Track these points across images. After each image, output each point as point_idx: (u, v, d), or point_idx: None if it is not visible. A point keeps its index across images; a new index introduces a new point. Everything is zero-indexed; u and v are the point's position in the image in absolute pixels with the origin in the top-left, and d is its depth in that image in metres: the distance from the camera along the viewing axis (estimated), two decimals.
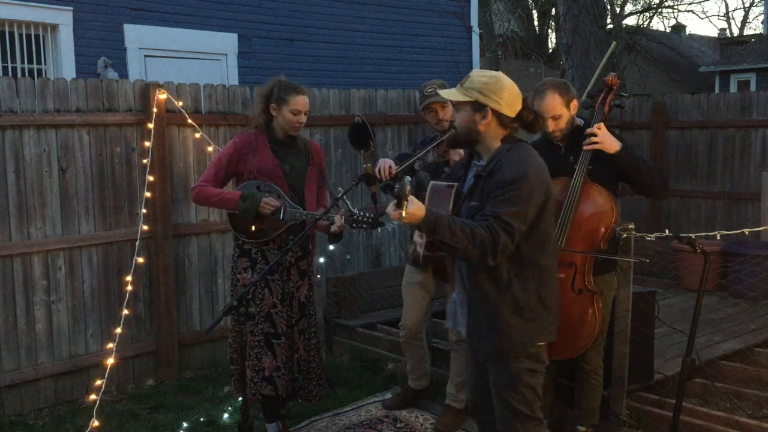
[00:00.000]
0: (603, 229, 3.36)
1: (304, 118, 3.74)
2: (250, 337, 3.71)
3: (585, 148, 3.36)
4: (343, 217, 3.57)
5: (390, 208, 2.45)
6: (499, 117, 2.66)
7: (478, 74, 2.69)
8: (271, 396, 3.72)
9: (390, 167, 3.57)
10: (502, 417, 2.78)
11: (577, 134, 3.44)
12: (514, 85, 2.70)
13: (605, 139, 3.32)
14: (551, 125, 3.43)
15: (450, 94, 2.75)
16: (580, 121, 3.54)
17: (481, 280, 2.67)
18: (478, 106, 2.65)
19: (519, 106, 2.69)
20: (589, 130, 3.37)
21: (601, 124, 3.36)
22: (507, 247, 2.53)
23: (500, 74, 2.70)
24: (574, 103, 3.46)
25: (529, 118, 2.74)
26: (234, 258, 3.84)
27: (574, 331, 3.34)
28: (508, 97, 2.66)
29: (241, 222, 3.70)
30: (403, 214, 2.38)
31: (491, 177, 2.61)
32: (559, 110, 3.40)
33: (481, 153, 2.75)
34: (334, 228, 3.60)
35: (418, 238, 2.83)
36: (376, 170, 3.56)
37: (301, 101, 3.70)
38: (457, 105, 2.72)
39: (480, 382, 2.93)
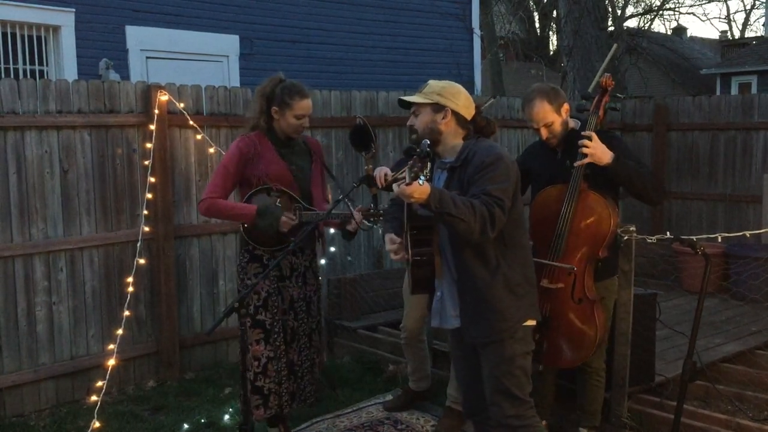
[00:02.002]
0: (602, 237, 3.35)
1: (307, 122, 3.63)
2: (258, 347, 3.57)
3: (576, 164, 3.31)
4: (361, 213, 3.53)
5: (401, 185, 2.45)
6: (458, 117, 2.86)
7: (435, 81, 2.92)
8: (277, 411, 3.63)
9: (386, 174, 3.56)
10: (493, 402, 2.85)
11: (572, 137, 3.40)
12: (468, 93, 2.92)
13: (596, 152, 3.27)
14: (544, 133, 3.41)
15: (411, 98, 2.90)
16: (575, 123, 3.51)
17: (471, 265, 2.78)
18: (438, 108, 2.84)
19: (473, 110, 2.91)
20: (581, 137, 3.30)
21: (593, 134, 3.30)
22: (501, 220, 2.65)
23: (454, 82, 2.92)
24: (565, 107, 3.43)
25: (482, 123, 2.93)
26: (242, 263, 3.66)
27: (575, 341, 3.34)
28: (465, 99, 2.88)
29: (256, 231, 3.55)
30: (421, 183, 2.40)
31: (467, 165, 2.77)
32: (550, 117, 3.38)
33: (442, 153, 2.91)
34: (354, 225, 3.54)
35: (389, 245, 2.96)
36: (374, 177, 3.55)
37: (305, 105, 3.56)
38: (417, 110, 2.89)
39: (471, 379, 3.00)
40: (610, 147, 3.33)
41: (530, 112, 3.40)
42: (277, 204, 3.54)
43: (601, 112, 3.45)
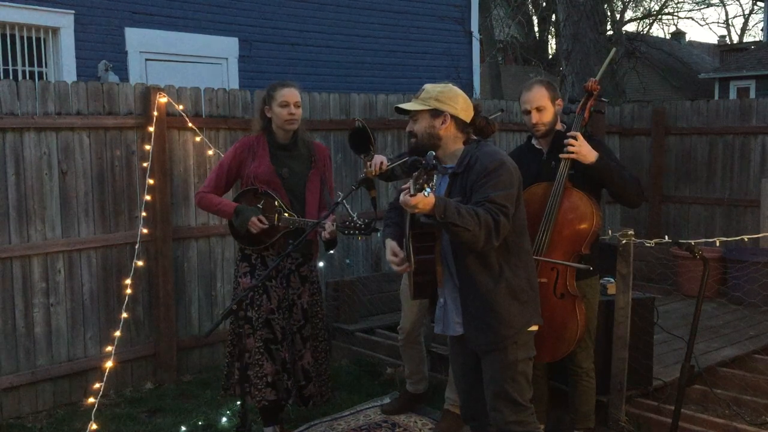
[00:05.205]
0: (584, 234, 3.39)
1: (294, 111, 3.68)
2: (249, 341, 3.72)
3: (561, 156, 3.39)
4: (335, 223, 3.57)
5: (406, 195, 2.44)
6: (457, 121, 2.82)
7: (432, 86, 2.87)
8: (272, 400, 3.72)
9: (381, 163, 3.60)
10: (494, 408, 2.85)
11: (558, 139, 3.48)
12: (465, 94, 2.89)
13: (581, 150, 3.35)
14: (534, 117, 3.47)
15: (408, 105, 2.88)
16: (562, 126, 3.58)
17: (473, 272, 2.76)
18: (436, 113, 2.81)
19: (472, 112, 2.87)
20: (567, 138, 3.38)
21: (578, 135, 3.38)
22: (505, 227, 2.64)
23: (451, 84, 2.88)
24: (559, 101, 3.54)
25: (482, 123, 2.91)
26: (236, 261, 3.89)
27: (556, 335, 3.37)
28: (463, 102, 2.84)
29: (238, 229, 3.73)
30: (426, 195, 2.39)
31: (469, 171, 2.75)
32: (543, 102, 3.46)
33: (443, 158, 2.87)
34: (324, 235, 3.59)
35: (391, 256, 2.93)
36: (368, 164, 3.57)
37: (287, 93, 3.67)
38: (415, 116, 2.86)
39: (471, 385, 3.00)
40: (594, 148, 3.40)
41: (527, 94, 3.50)
42: (259, 206, 3.67)
43: (586, 115, 3.55)
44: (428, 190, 2.38)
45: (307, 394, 3.84)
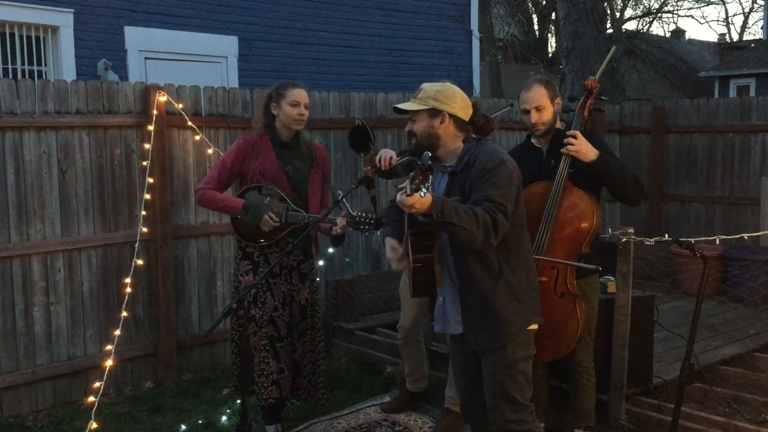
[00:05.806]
0: (584, 233, 3.39)
1: (304, 111, 3.73)
2: (254, 339, 3.73)
3: (561, 151, 3.40)
4: (345, 219, 3.58)
5: (404, 194, 2.43)
6: (456, 120, 2.81)
7: (430, 85, 2.85)
8: (276, 398, 3.73)
9: (391, 158, 3.59)
10: (494, 407, 2.85)
11: (558, 138, 3.48)
12: (463, 92, 2.88)
13: (581, 148, 3.35)
14: (534, 116, 3.47)
15: (407, 105, 2.87)
16: (561, 125, 3.58)
17: (473, 271, 2.76)
18: (434, 113, 2.80)
19: (471, 111, 2.87)
20: (567, 135, 3.39)
21: (578, 133, 3.38)
22: (504, 226, 2.64)
23: (449, 83, 2.87)
24: (558, 100, 3.54)
25: (481, 121, 2.89)
26: (236, 260, 3.86)
27: (556, 334, 3.38)
28: (461, 101, 2.83)
29: (244, 226, 3.70)
30: (422, 195, 2.38)
31: (468, 170, 2.74)
32: (543, 101, 3.46)
33: (442, 157, 2.87)
34: (336, 230, 3.59)
35: (391, 253, 2.95)
36: (377, 159, 3.57)
37: (298, 93, 3.71)
38: (414, 116, 2.85)
39: (471, 383, 3.00)
40: (594, 147, 3.40)
41: (526, 93, 3.49)
42: (266, 202, 3.66)
43: (586, 113, 3.55)
44: (424, 190, 2.37)
45: (299, 388, 3.88)
